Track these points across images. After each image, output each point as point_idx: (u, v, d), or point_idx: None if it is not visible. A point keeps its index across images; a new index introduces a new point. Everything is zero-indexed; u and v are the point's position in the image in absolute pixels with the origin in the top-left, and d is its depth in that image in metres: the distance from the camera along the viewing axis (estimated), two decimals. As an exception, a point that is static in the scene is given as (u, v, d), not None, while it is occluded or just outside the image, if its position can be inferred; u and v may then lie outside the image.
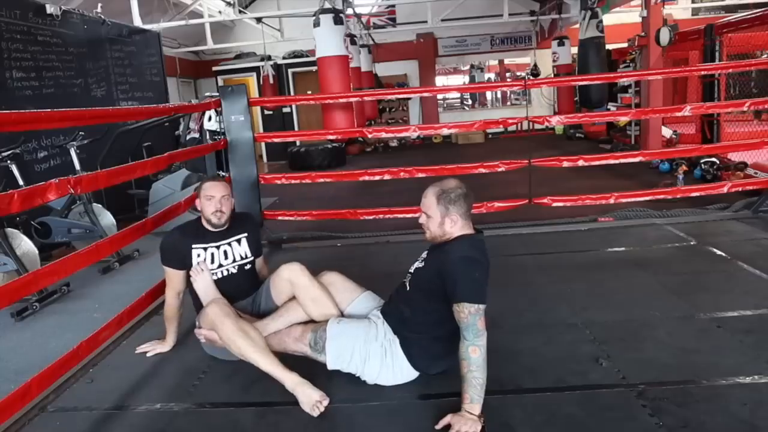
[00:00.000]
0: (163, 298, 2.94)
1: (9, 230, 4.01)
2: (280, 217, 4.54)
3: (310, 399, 2.02)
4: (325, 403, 2.03)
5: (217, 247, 2.58)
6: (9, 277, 3.79)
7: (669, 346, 2.32)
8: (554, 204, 4.31)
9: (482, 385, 1.86)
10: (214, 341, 2.32)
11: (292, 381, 2.08)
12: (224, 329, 2.20)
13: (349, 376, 2.22)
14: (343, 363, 2.20)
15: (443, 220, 2.09)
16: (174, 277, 2.57)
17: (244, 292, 2.60)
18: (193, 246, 2.54)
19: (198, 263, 2.52)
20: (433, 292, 2.08)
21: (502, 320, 2.61)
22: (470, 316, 1.91)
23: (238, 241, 2.64)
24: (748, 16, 6.33)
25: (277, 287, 2.48)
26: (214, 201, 2.51)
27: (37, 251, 4.14)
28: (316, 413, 2.00)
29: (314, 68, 6.94)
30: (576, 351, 2.33)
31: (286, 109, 12.43)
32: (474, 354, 1.88)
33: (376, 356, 2.16)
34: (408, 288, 2.21)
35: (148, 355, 2.60)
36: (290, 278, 2.41)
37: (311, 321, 2.37)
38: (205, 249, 2.56)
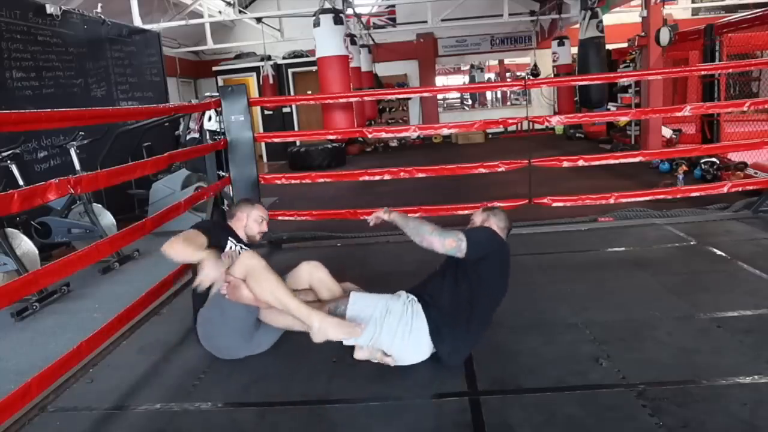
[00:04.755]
0: (163, 298, 2.97)
1: (9, 230, 4.01)
2: (280, 217, 4.53)
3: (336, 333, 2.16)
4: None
5: (241, 247, 2.74)
6: (9, 277, 3.79)
7: (669, 346, 2.32)
8: (554, 204, 4.31)
9: (410, 226, 2.32)
10: (239, 293, 2.25)
11: (319, 319, 2.16)
12: (265, 276, 2.22)
13: (349, 377, 2.23)
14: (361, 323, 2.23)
15: (482, 224, 2.37)
16: (201, 241, 2.40)
17: None
18: (229, 237, 2.73)
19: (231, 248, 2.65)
20: (457, 267, 2.28)
21: (502, 320, 2.60)
22: (456, 241, 2.19)
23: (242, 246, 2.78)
24: (748, 16, 6.33)
25: (296, 279, 2.57)
26: (264, 223, 2.87)
27: (37, 251, 4.14)
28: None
29: (314, 68, 6.94)
30: (576, 351, 2.33)
31: (286, 109, 12.43)
32: (430, 233, 2.23)
33: (396, 314, 2.22)
34: (438, 270, 2.41)
35: (204, 283, 2.28)
36: (310, 271, 2.57)
37: None
38: (236, 243, 2.73)
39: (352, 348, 2.39)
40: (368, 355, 2.28)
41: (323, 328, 2.15)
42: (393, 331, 2.21)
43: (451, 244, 2.21)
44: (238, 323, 2.38)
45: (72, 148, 4.81)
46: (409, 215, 2.33)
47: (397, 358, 2.24)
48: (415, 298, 2.30)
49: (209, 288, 2.44)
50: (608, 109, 8.51)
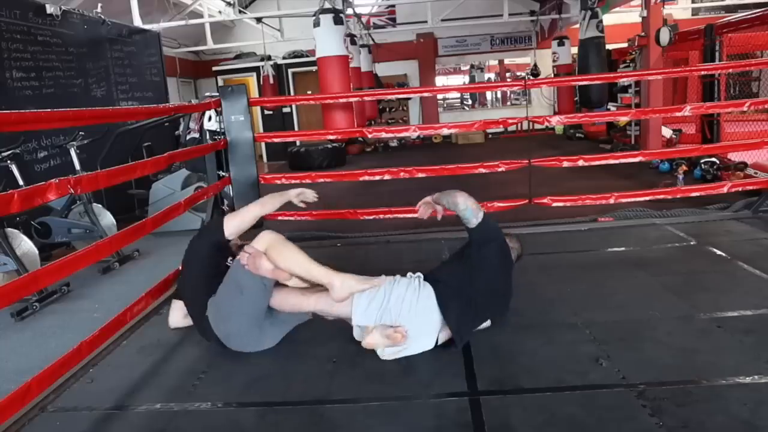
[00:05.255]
0: (163, 298, 2.97)
1: (9, 230, 4.01)
2: (280, 217, 4.53)
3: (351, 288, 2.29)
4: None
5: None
6: (9, 277, 3.79)
7: (669, 346, 2.32)
8: (554, 204, 4.31)
9: (445, 192, 2.54)
10: (258, 263, 2.34)
11: (340, 277, 2.30)
12: (287, 246, 2.39)
13: (349, 377, 2.23)
14: (370, 294, 2.31)
15: None
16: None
17: None
18: None
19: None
20: (462, 255, 2.50)
21: (502, 320, 2.61)
22: (477, 207, 2.42)
23: None
24: (748, 16, 6.33)
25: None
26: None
27: (37, 251, 4.14)
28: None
29: (314, 68, 6.94)
30: (576, 351, 2.33)
31: (286, 109, 12.44)
32: (459, 192, 2.46)
33: (403, 283, 2.37)
34: (442, 262, 2.65)
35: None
36: None
37: None
38: None
39: (352, 348, 2.40)
40: (378, 340, 2.30)
41: (346, 284, 2.28)
42: (401, 297, 2.31)
43: (472, 205, 2.41)
44: (254, 299, 2.40)
45: (72, 148, 4.80)
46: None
47: (408, 328, 2.27)
48: (421, 276, 2.45)
49: (209, 281, 2.50)
50: (608, 109, 8.51)
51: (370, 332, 2.30)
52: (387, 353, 2.32)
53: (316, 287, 2.41)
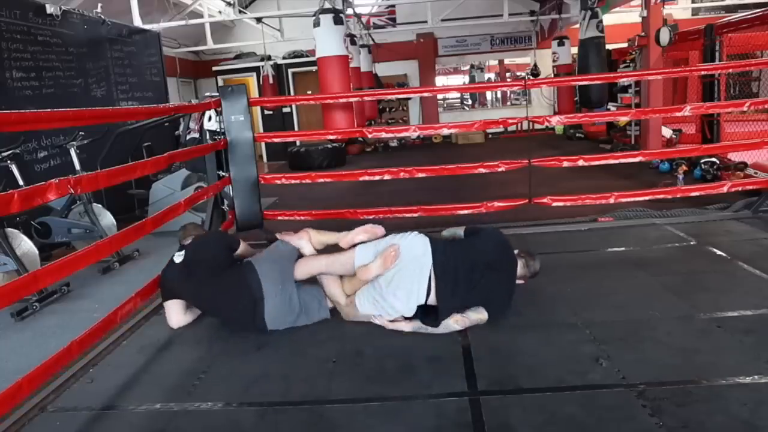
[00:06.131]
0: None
1: (9, 230, 4.01)
2: (279, 217, 4.54)
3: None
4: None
5: None
6: (9, 277, 3.79)
7: (669, 346, 2.32)
8: (554, 204, 4.31)
9: None
10: (290, 233, 2.96)
11: (347, 231, 2.83)
12: (320, 232, 2.98)
13: (349, 377, 2.23)
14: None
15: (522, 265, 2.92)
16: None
17: None
18: None
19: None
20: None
21: (502, 320, 2.61)
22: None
23: None
24: (748, 16, 6.33)
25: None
26: None
27: (37, 251, 4.14)
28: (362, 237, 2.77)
29: (314, 68, 6.94)
30: (576, 351, 2.33)
31: (286, 109, 12.44)
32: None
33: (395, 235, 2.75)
34: None
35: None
36: None
37: None
38: None
39: (352, 348, 2.40)
40: (373, 266, 2.57)
41: (351, 233, 2.80)
42: (395, 233, 2.74)
43: (453, 228, 3.07)
44: (288, 251, 2.86)
45: (72, 148, 4.80)
46: None
47: (399, 245, 2.60)
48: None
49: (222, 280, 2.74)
50: (608, 109, 8.50)
51: (366, 267, 2.61)
52: (383, 287, 2.54)
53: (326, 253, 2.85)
